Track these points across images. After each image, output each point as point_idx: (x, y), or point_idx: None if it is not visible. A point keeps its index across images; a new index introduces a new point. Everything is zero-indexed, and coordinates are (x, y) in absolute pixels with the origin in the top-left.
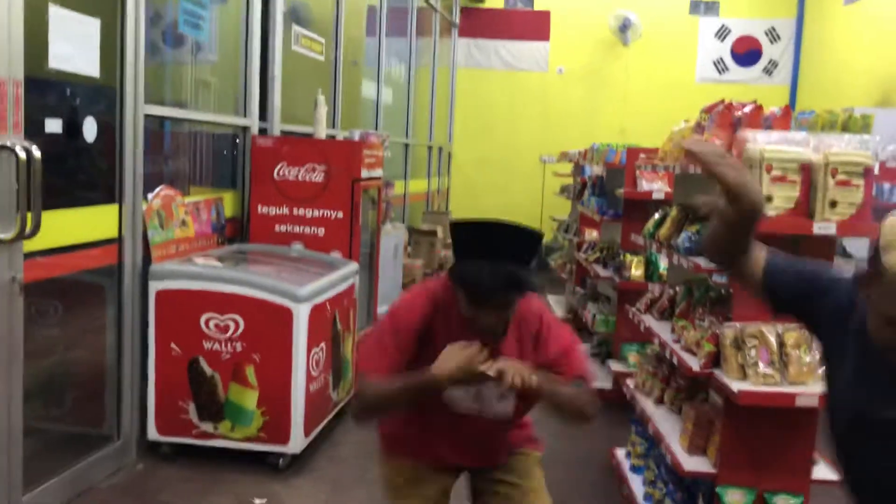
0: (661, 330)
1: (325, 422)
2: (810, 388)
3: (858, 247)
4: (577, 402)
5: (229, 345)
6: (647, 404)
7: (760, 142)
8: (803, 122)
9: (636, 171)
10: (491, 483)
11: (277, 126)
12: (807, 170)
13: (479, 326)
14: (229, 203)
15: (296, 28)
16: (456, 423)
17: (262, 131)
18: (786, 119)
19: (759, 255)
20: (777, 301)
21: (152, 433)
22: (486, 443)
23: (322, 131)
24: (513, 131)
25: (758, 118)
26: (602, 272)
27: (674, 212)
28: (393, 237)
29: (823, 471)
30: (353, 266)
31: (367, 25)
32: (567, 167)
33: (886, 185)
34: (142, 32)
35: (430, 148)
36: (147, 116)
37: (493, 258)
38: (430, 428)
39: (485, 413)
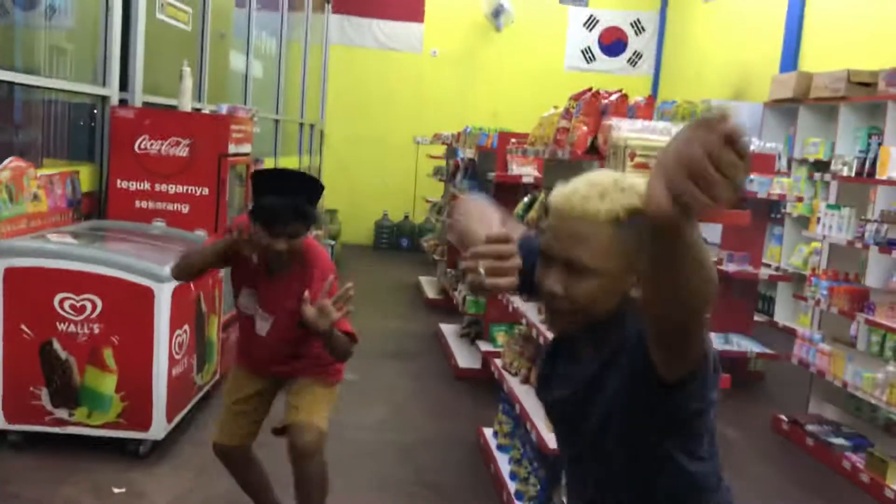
0: (529, 310)
1: (189, 407)
2: None
3: (712, 232)
4: (343, 346)
5: (86, 326)
6: (514, 384)
7: (625, 130)
8: (665, 112)
9: (507, 155)
10: (285, 393)
11: (139, 97)
12: None
13: (272, 255)
14: (86, 177)
15: None
16: (255, 337)
17: (123, 102)
18: (649, 108)
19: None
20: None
21: None
22: (276, 355)
23: (187, 104)
24: (387, 111)
25: (623, 107)
26: None
27: (542, 196)
28: None
29: None
30: None
31: None
32: (440, 149)
33: None
34: None
35: (301, 125)
36: None
37: (285, 195)
38: (246, 340)
39: (258, 326)
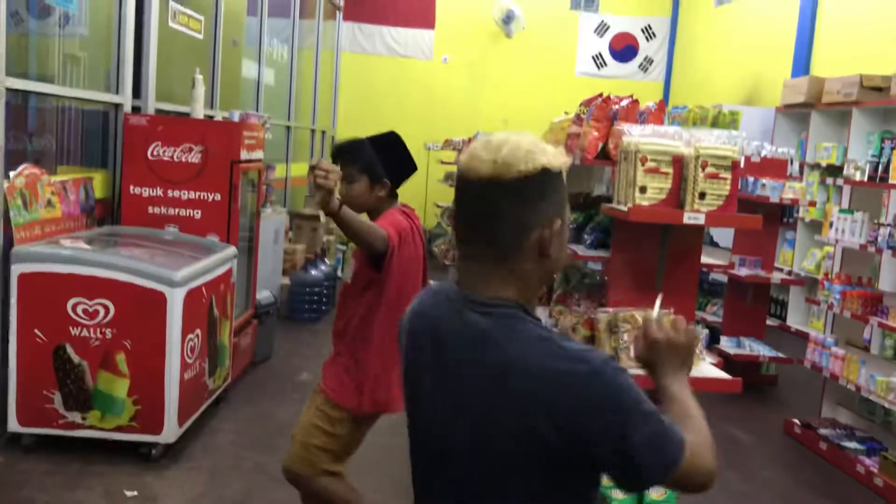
0: (540, 315)
1: (201, 410)
2: None
3: (725, 236)
4: (371, 231)
5: (98, 331)
6: None
7: (636, 135)
8: (676, 117)
9: None
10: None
11: (152, 104)
12: (678, 162)
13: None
14: (100, 183)
15: (173, 4)
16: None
17: (136, 109)
18: (660, 113)
19: None
20: None
21: (13, 424)
22: None
23: (199, 111)
24: (398, 117)
25: (634, 112)
26: None
27: None
28: (273, 221)
29: None
30: (231, 250)
31: (248, 4)
32: (451, 155)
33: (751, 179)
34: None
35: (313, 131)
36: (8, 90)
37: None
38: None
39: None
